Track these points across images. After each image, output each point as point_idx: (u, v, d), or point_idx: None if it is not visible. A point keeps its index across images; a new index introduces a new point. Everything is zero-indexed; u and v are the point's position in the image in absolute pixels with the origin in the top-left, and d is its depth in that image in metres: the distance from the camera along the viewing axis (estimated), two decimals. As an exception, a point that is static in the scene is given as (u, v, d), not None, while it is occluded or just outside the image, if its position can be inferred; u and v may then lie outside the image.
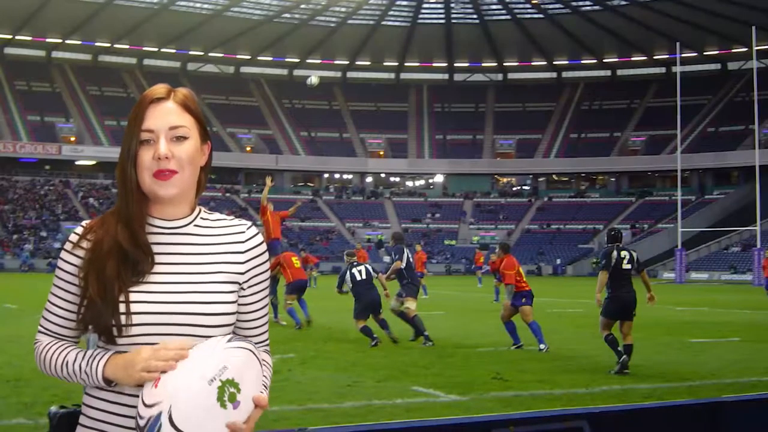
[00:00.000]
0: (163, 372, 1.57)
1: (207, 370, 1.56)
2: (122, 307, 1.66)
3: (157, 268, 1.70)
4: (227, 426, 1.56)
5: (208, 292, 1.70)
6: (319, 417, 6.65)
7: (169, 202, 1.74)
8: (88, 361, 1.68)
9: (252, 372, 1.62)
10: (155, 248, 1.72)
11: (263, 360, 1.73)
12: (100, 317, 1.66)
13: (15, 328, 13.46)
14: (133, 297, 1.67)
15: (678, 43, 51.63)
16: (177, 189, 1.72)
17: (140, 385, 1.61)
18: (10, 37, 69.60)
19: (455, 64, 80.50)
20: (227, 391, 1.56)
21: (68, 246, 1.75)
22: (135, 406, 1.64)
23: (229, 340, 1.62)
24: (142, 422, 1.56)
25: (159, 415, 1.54)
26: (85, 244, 1.73)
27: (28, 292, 24.54)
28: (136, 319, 1.66)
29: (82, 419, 1.73)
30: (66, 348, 1.73)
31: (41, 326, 1.78)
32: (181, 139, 1.72)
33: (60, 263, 1.76)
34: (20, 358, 9.59)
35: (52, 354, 1.73)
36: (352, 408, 7.14)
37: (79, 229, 1.76)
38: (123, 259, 1.69)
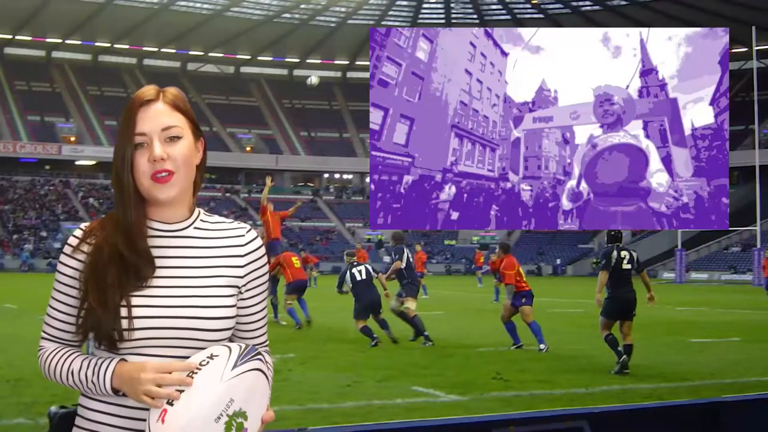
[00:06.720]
0: (169, 403, 1.55)
1: (214, 406, 1.54)
2: (124, 313, 1.64)
3: (157, 272, 1.69)
4: None
5: (208, 296, 1.69)
6: (319, 417, 6.64)
7: (168, 205, 1.73)
8: (94, 370, 1.65)
9: (259, 391, 1.61)
10: (155, 252, 1.71)
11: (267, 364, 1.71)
12: (101, 325, 1.64)
13: (15, 328, 13.47)
14: (134, 302, 1.65)
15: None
16: (176, 190, 1.70)
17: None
18: (10, 37, 69.54)
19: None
20: (234, 424, 1.55)
21: (68, 250, 1.72)
22: (132, 407, 1.65)
23: (235, 365, 1.58)
24: None
25: None
26: (85, 248, 1.71)
27: (28, 292, 24.53)
28: (138, 324, 1.64)
29: (78, 421, 1.72)
30: (70, 355, 1.71)
31: (44, 332, 1.76)
32: (175, 139, 1.70)
33: (60, 267, 1.73)
34: (20, 358, 9.58)
35: (57, 362, 1.70)
36: (352, 408, 7.14)
37: (78, 233, 1.73)
38: (124, 267, 1.67)
